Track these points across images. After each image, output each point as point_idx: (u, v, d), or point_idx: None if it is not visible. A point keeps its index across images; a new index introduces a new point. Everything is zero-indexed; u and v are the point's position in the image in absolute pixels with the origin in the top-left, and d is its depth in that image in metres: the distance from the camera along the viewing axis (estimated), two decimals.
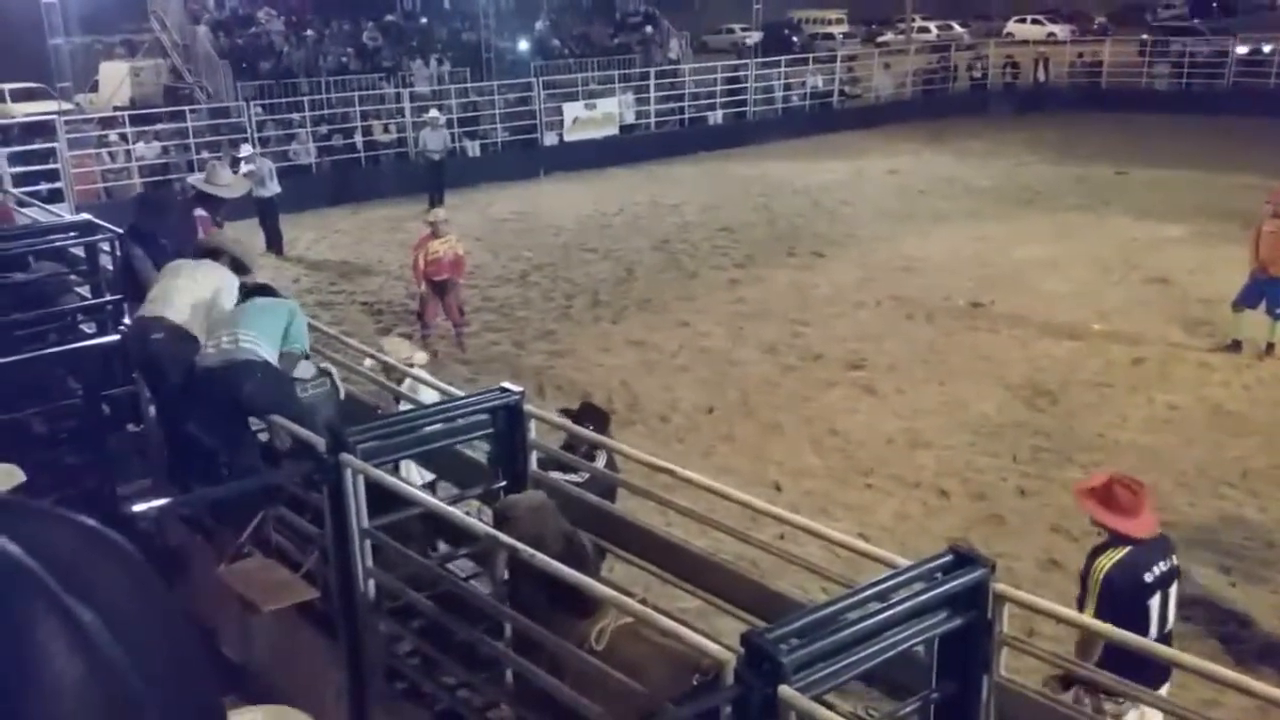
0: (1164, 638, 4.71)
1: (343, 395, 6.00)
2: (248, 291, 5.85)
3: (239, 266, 6.08)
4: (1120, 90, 31.83)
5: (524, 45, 28.73)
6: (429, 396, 5.92)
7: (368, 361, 6.48)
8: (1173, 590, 4.83)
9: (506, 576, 3.96)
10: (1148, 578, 4.71)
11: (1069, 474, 8.99)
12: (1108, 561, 4.77)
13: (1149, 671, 4.06)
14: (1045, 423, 10.26)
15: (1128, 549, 4.75)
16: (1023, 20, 52.94)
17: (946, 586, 3.24)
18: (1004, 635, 3.40)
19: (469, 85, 25.42)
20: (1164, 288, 14.37)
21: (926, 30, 52.01)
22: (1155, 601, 4.73)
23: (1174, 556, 4.90)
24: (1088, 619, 4.28)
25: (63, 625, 0.66)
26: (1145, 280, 14.74)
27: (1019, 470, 9.33)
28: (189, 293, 5.62)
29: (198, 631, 0.81)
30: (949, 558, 3.33)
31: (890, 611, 3.11)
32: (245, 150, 18.10)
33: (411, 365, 6.77)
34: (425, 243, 12.15)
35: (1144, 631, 4.54)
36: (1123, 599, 4.66)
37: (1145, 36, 36.31)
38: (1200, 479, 9.08)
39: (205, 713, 0.85)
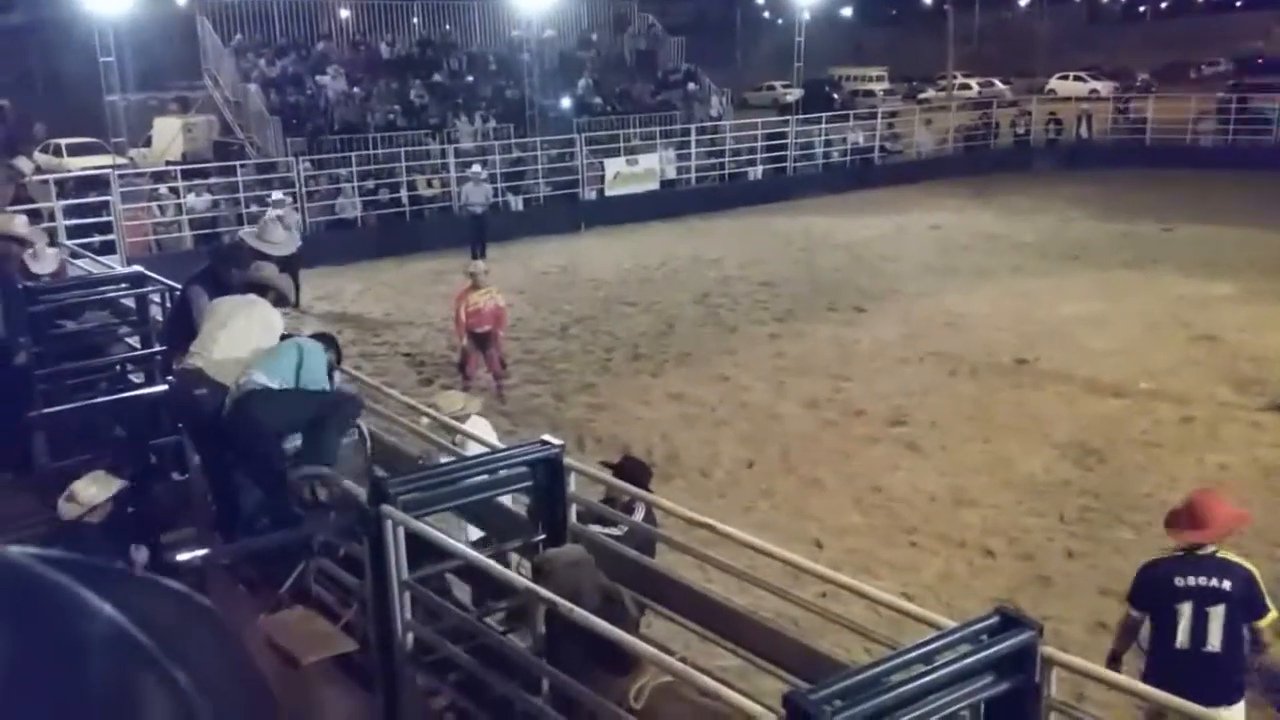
0: (1206, 655, 5.08)
1: (370, 447, 6.06)
2: None
3: (281, 301, 6.27)
4: (1165, 146, 31.64)
5: (567, 102, 29.10)
6: (473, 449, 5.94)
7: (424, 420, 6.52)
8: (1216, 610, 5.10)
9: (543, 631, 3.94)
10: (1179, 582, 5.17)
11: (1118, 535, 8.82)
12: (1152, 560, 5.56)
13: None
14: (1093, 482, 10.09)
15: (1177, 555, 5.31)
16: (1065, 77, 53.07)
17: (993, 649, 3.17)
18: (1052, 700, 3.31)
19: (512, 141, 25.76)
20: (1213, 346, 14.15)
21: (968, 87, 52.25)
22: (1186, 609, 5.12)
23: (1228, 581, 5.13)
24: (1138, 684, 4.19)
25: (165, 690, 0.77)
26: (1193, 338, 14.54)
27: (1067, 530, 9.16)
28: (230, 342, 5.71)
29: (267, 686, 0.92)
30: (995, 619, 3.27)
31: (935, 674, 3.04)
32: (276, 195, 18.46)
33: (467, 415, 6.84)
34: (465, 295, 12.26)
35: (1170, 634, 5.14)
36: (1147, 592, 5.31)
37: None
38: (1256, 542, 8.81)
39: None
